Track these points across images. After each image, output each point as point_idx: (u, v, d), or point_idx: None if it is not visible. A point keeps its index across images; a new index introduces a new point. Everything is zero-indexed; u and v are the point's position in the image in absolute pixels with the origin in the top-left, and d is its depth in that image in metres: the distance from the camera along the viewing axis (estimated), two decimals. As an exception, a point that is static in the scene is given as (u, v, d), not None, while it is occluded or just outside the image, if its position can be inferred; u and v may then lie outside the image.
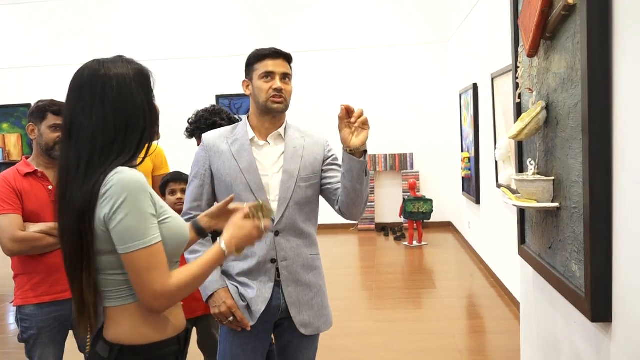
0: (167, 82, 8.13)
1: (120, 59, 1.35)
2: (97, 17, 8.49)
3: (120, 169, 1.25)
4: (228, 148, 1.98)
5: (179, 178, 2.66)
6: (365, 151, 1.82)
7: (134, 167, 1.32)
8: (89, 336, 1.38)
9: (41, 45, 8.64)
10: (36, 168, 2.31)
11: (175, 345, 1.38)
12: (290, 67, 2.00)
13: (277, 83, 1.92)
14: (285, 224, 1.96)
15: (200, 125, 2.75)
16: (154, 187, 2.68)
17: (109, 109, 1.27)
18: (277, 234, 1.95)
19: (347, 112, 1.79)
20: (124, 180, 1.23)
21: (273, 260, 1.95)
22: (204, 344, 2.67)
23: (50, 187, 2.30)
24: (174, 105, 7.79)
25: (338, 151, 2.07)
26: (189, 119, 2.83)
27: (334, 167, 2.05)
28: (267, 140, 1.99)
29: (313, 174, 2.00)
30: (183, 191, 2.63)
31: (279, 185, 1.95)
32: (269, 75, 1.93)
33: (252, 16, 8.27)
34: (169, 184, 2.67)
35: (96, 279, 1.30)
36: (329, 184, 2.02)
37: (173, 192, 2.65)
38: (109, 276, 1.30)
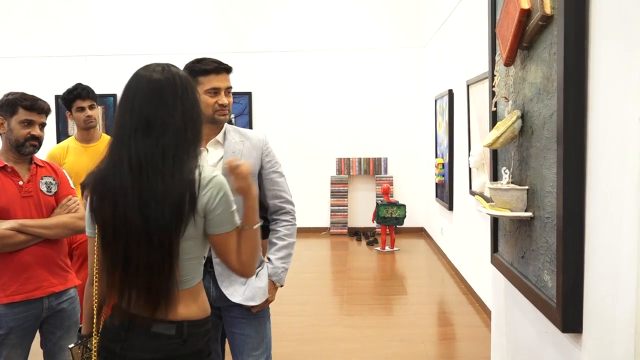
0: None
1: (173, 66, 1.54)
2: (65, 9, 8.30)
3: (212, 168, 1.52)
4: None
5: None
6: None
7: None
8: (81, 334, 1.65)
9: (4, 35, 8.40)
10: (5, 163, 2.25)
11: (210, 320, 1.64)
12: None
13: (223, 99, 2.06)
14: None
15: None
16: None
17: (188, 110, 1.48)
18: None
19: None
20: (222, 178, 1.51)
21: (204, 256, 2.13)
22: None
23: (20, 183, 2.25)
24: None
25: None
26: None
27: (270, 175, 2.21)
28: (206, 147, 2.10)
29: (251, 178, 2.12)
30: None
31: None
32: (214, 90, 2.05)
33: (228, 13, 8.20)
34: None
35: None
36: (264, 195, 2.21)
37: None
38: (186, 261, 1.50)
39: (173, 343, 1.48)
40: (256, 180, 2.17)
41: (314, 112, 8.09)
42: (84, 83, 3.28)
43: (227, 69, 2.09)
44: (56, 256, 2.33)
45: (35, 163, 2.35)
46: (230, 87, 2.10)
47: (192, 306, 1.52)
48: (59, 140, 7.62)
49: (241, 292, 2.12)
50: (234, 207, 1.52)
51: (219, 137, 2.14)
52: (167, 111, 1.45)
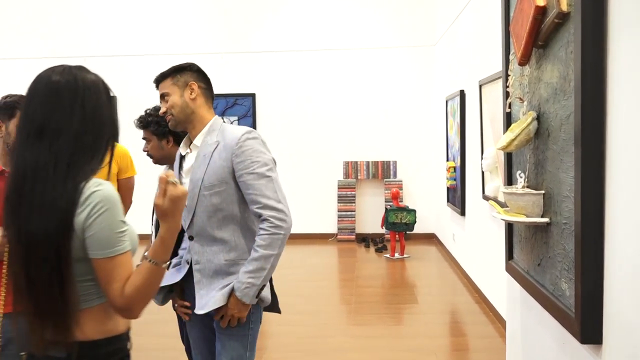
0: (133, 79, 8.03)
1: (84, 69, 1.48)
2: (64, 9, 8.35)
3: (99, 180, 1.40)
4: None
5: None
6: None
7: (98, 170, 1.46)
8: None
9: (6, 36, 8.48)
10: (3, 167, 2.26)
11: (127, 339, 1.52)
12: (174, 77, 2.12)
13: (161, 107, 2.17)
14: (197, 230, 2.11)
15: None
16: (119, 191, 2.66)
17: (89, 114, 1.41)
18: (191, 238, 2.12)
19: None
20: (106, 192, 1.37)
21: (188, 262, 2.15)
22: None
23: None
24: (140, 103, 7.69)
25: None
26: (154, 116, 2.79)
27: (243, 177, 2.03)
28: (190, 149, 2.18)
29: (218, 182, 2.05)
30: None
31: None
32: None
33: (231, 12, 8.23)
34: None
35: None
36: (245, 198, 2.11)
37: None
38: (81, 282, 1.39)
39: None
40: (229, 184, 2.05)
41: (320, 113, 8.10)
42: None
43: (158, 80, 2.16)
44: None
45: None
46: (165, 93, 2.13)
47: (87, 325, 1.40)
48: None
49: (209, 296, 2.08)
50: (121, 229, 1.38)
51: (197, 139, 2.14)
52: (64, 115, 1.38)
